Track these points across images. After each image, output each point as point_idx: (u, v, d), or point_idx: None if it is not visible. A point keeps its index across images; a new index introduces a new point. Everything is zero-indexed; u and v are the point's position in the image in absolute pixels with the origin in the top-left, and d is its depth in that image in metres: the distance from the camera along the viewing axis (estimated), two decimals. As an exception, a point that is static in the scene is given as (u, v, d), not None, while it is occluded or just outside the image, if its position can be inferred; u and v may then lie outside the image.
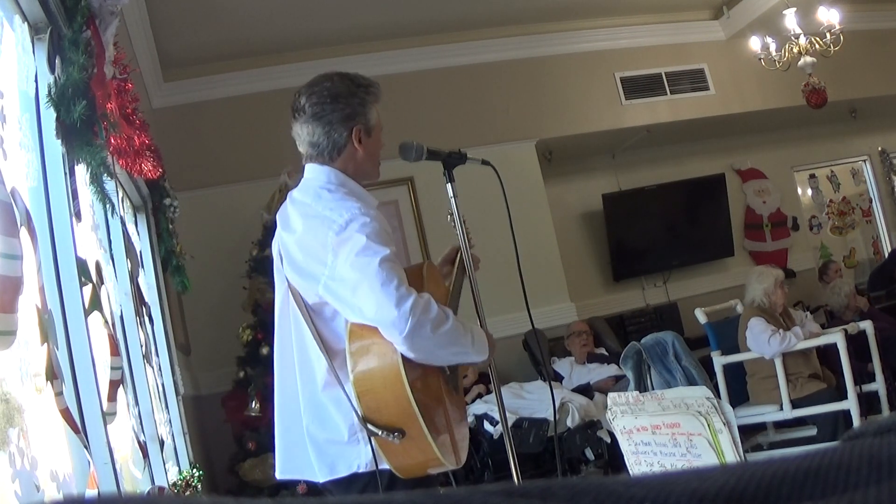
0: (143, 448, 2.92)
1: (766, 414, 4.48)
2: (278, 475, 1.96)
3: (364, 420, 1.74)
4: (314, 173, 1.93)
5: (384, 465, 1.80)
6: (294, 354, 1.90)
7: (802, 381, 4.41)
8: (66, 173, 2.26)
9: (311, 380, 1.85)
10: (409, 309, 1.67)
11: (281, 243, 1.91)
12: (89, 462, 2.04)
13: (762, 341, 4.37)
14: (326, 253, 1.75)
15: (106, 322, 2.61)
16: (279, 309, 1.96)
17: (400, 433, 1.73)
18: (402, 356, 1.73)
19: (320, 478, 1.86)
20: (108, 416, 2.29)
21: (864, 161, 8.45)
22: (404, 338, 1.68)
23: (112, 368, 2.59)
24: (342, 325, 1.81)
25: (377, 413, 1.74)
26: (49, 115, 2.18)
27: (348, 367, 1.76)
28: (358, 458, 1.80)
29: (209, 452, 4.87)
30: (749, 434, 4.57)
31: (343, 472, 1.82)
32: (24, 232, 1.88)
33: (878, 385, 4.36)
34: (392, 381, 1.74)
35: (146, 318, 3.68)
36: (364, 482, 1.81)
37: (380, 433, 1.73)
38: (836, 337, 4.29)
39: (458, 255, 2.23)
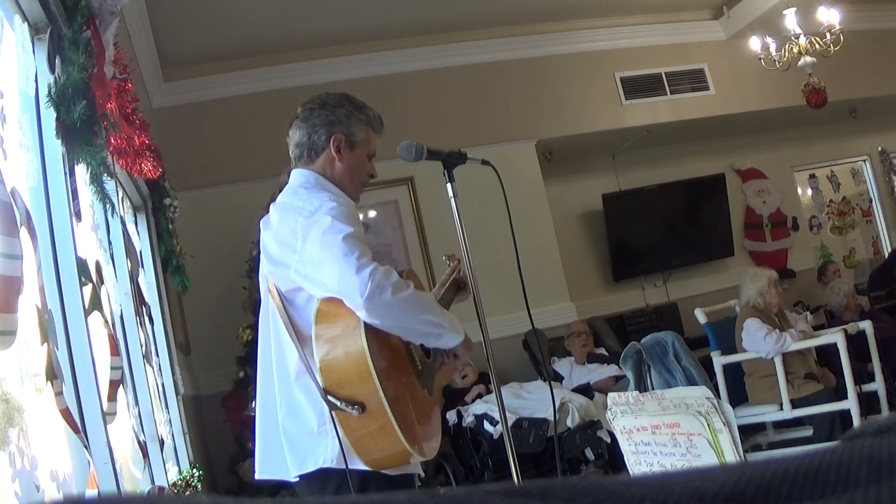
0: (143, 448, 2.92)
1: (766, 414, 4.49)
2: (256, 475, 1.98)
3: (325, 392, 1.75)
4: (295, 177, 2.02)
5: (358, 465, 1.79)
6: (272, 352, 1.93)
7: (800, 382, 4.41)
8: (66, 173, 2.27)
9: (286, 373, 1.88)
10: (368, 274, 1.72)
11: (261, 243, 1.98)
12: (89, 462, 2.04)
13: (758, 339, 4.37)
14: (296, 239, 1.82)
15: (106, 322, 2.61)
16: (261, 311, 2.00)
17: (360, 406, 1.74)
18: (366, 330, 1.75)
19: (292, 473, 1.85)
20: (108, 416, 2.29)
21: (864, 161, 8.45)
22: (365, 300, 1.71)
23: (112, 368, 2.59)
24: (314, 313, 1.83)
25: (339, 386, 1.76)
26: (49, 115, 2.18)
27: (313, 343, 1.78)
28: (325, 451, 1.80)
29: (209, 452, 4.87)
30: (748, 434, 4.57)
31: (311, 467, 1.82)
32: (24, 232, 1.88)
33: (878, 385, 4.36)
34: (354, 352, 1.75)
35: (146, 318, 3.68)
36: (338, 482, 1.80)
37: (339, 404, 1.74)
38: (836, 337, 4.29)
39: (456, 272, 2.32)
